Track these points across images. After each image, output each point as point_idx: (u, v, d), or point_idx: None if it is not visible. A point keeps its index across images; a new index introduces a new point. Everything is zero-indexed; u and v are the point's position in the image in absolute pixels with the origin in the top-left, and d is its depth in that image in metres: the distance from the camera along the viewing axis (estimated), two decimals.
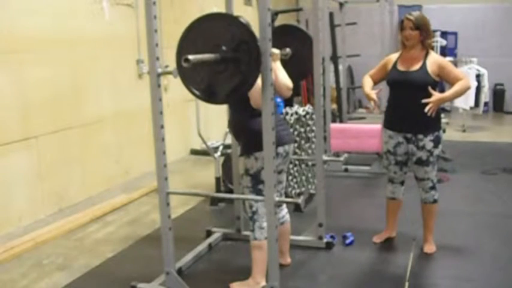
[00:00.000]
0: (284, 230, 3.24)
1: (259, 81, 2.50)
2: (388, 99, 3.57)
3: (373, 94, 3.42)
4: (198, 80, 2.59)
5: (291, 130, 4.41)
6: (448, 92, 3.34)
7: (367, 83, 3.54)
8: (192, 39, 2.58)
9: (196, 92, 2.61)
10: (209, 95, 2.61)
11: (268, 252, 2.66)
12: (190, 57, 2.32)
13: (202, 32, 2.56)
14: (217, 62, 2.47)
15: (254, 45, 2.43)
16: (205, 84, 2.58)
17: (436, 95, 3.22)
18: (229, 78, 2.50)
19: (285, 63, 3.05)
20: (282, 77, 2.93)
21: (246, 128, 2.88)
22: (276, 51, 2.86)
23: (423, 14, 3.40)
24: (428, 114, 3.19)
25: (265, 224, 2.85)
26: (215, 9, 7.40)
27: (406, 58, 3.41)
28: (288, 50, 3.37)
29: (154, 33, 2.70)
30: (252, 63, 2.44)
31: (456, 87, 3.30)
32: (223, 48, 2.48)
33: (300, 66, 3.47)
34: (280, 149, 2.88)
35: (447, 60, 3.47)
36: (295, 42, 3.43)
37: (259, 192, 2.87)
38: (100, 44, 5.02)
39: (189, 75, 2.59)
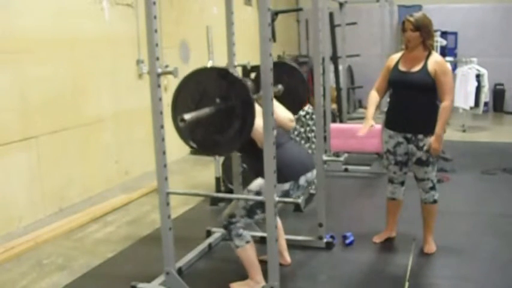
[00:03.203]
0: None
1: (259, 121, 2.53)
2: (389, 99, 3.57)
3: (369, 123, 3.36)
4: (199, 136, 2.61)
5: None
6: (438, 127, 3.28)
7: (372, 102, 3.47)
8: (184, 97, 2.61)
9: (199, 148, 2.64)
10: (213, 147, 2.64)
11: (268, 252, 2.66)
12: (186, 116, 2.33)
13: (194, 88, 2.59)
14: (213, 114, 2.49)
15: (243, 88, 2.47)
16: (207, 138, 2.60)
17: (432, 141, 3.28)
18: (229, 125, 2.52)
19: (280, 99, 3.10)
20: (282, 112, 3.01)
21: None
22: None
23: (425, 14, 3.38)
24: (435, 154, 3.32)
25: (241, 231, 2.90)
26: (215, 10, 7.40)
27: (408, 58, 3.41)
28: (280, 86, 3.37)
29: (154, 33, 2.70)
30: (246, 104, 2.47)
31: (441, 118, 3.27)
32: (217, 100, 2.51)
33: (294, 99, 3.49)
34: (302, 179, 2.91)
35: (447, 67, 3.38)
36: (285, 77, 3.43)
37: (252, 215, 2.90)
38: (100, 44, 5.02)
39: (188, 132, 2.60)
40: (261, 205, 2.80)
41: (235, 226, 2.91)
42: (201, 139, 2.61)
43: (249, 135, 2.56)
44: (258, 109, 2.55)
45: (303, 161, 2.98)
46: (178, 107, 2.61)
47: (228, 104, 2.50)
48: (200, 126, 2.54)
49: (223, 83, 2.52)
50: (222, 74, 2.55)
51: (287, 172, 2.82)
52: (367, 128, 3.35)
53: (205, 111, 2.47)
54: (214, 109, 2.49)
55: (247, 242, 2.93)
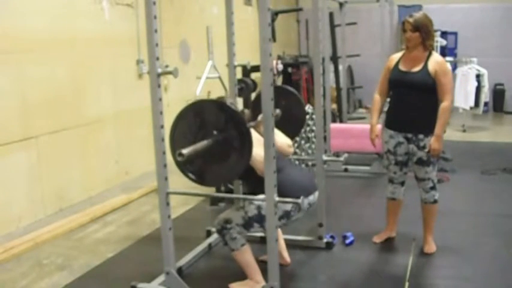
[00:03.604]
0: None
1: (257, 150, 2.55)
2: (389, 99, 3.58)
3: (375, 132, 3.51)
4: (197, 168, 2.63)
5: None
6: (438, 128, 3.30)
7: (376, 109, 3.54)
8: (182, 129, 2.64)
9: (198, 179, 2.65)
10: (212, 179, 2.66)
11: (268, 252, 2.66)
12: (184, 151, 2.36)
13: (191, 120, 2.62)
14: (211, 146, 2.52)
15: (239, 120, 2.51)
16: (205, 170, 2.62)
17: (432, 141, 3.30)
18: (227, 156, 2.54)
19: (278, 124, 3.09)
20: (280, 137, 3.02)
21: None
22: None
23: (425, 14, 3.38)
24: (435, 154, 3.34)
25: (235, 235, 2.89)
26: (215, 10, 7.39)
27: (409, 58, 3.41)
28: (277, 111, 3.37)
29: (154, 33, 2.70)
30: (242, 134, 2.50)
31: (441, 119, 3.29)
32: (215, 132, 2.54)
33: (292, 122, 3.51)
34: (304, 202, 2.88)
35: (447, 67, 3.39)
36: (282, 101, 3.43)
37: (248, 227, 2.90)
38: (100, 44, 5.02)
39: (187, 165, 2.62)
40: (260, 219, 2.82)
41: (229, 232, 2.90)
42: (200, 171, 2.64)
43: (246, 164, 2.58)
44: (256, 138, 2.55)
45: (304, 184, 2.99)
46: (176, 139, 2.64)
47: (225, 136, 2.53)
48: (198, 158, 2.56)
49: (220, 115, 2.55)
50: (218, 106, 2.59)
51: (289, 196, 2.75)
52: (374, 139, 3.55)
53: (202, 144, 2.50)
54: (211, 141, 2.52)
55: (243, 244, 2.92)
